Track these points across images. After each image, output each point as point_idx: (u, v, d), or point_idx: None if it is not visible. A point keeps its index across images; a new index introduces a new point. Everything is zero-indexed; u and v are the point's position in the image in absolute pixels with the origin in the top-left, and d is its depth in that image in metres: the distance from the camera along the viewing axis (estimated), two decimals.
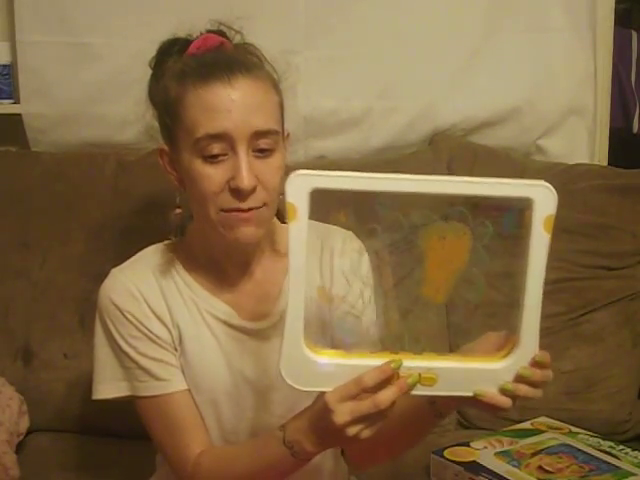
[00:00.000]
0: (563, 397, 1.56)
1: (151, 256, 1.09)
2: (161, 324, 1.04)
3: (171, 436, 1.05)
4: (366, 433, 0.84)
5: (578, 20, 1.78)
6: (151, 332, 1.03)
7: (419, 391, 0.86)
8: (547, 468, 1.28)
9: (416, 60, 1.74)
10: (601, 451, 1.35)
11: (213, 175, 0.96)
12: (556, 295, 1.58)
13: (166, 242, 1.10)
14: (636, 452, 1.34)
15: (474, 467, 1.29)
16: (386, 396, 0.82)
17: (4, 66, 1.70)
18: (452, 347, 1.58)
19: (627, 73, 2.12)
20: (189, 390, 1.06)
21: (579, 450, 1.35)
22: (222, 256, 1.07)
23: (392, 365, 0.83)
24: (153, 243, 1.12)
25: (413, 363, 0.85)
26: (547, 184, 0.83)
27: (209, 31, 1.05)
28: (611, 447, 1.36)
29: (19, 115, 1.69)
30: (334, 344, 0.95)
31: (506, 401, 0.86)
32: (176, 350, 1.05)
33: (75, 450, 1.49)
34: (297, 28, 1.69)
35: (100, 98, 1.69)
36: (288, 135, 1.07)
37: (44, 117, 1.70)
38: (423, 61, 1.74)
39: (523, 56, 1.77)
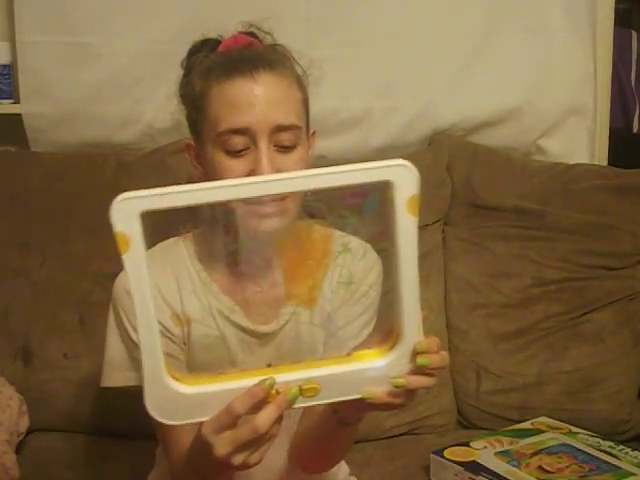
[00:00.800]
0: (563, 397, 1.56)
1: (171, 248, 1.08)
2: (174, 318, 1.04)
3: (165, 430, 1.05)
4: (255, 458, 0.78)
5: (578, 20, 1.77)
6: (163, 325, 1.03)
7: (303, 403, 0.78)
8: (547, 468, 1.28)
9: (416, 60, 1.74)
10: (601, 451, 1.35)
11: (234, 167, 0.97)
12: (556, 295, 1.58)
13: (186, 235, 1.10)
14: (636, 452, 1.34)
15: (474, 467, 1.29)
16: (265, 418, 0.76)
17: (4, 66, 1.70)
18: (451, 349, 1.58)
19: (627, 73, 2.12)
20: None
21: (579, 450, 1.35)
22: (239, 255, 1.06)
23: (266, 383, 0.76)
24: (154, 243, 1.11)
25: (291, 376, 0.77)
26: (404, 162, 0.75)
27: (240, 32, 1.07)
28: (611, 447, 1.36)
29: (19, 115, 1.69)
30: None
31: (395, 400, 0.81)
32: (185, 345, 1.05)
33: (75, 450, 1.49)
34: (297, 28, 1.69)
35: (100, 98, 1.69)
36: (314, 133, 1.08)
37: (44, 117, 1.69)
38: (423, 61, 1.74)
39: (523, 56, 1.77)
